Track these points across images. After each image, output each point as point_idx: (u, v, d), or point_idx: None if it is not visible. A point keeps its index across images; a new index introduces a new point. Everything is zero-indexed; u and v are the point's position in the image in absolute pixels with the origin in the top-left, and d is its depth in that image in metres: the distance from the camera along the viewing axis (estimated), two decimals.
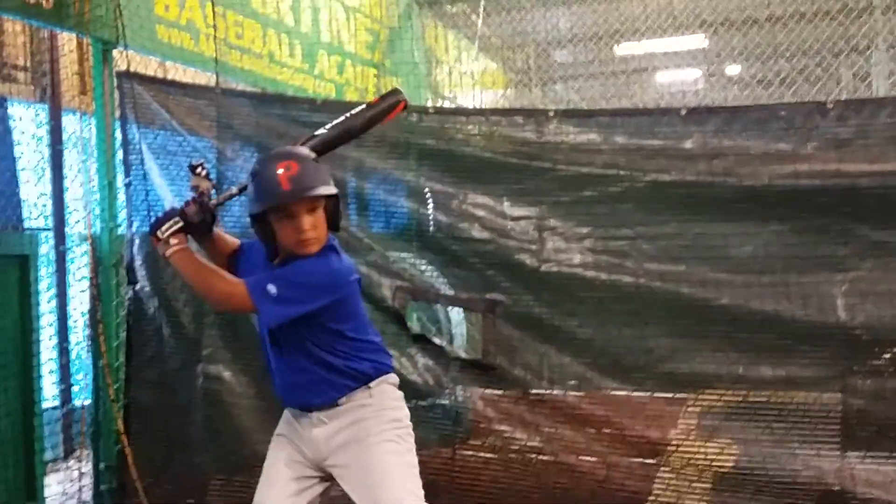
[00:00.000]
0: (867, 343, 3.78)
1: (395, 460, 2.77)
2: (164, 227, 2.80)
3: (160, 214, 2.90)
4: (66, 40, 5.33)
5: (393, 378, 2.88)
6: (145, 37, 4.82)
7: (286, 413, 2.93)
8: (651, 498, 3.97)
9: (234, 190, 2.88)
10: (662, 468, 3.97)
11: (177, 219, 2.82)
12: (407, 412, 2.88)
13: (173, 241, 2.79)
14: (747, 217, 3.91)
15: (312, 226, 2.69)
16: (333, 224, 2.77)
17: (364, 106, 2.97)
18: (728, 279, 3.92)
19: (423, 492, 2.79)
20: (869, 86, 7.37)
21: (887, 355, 3.78)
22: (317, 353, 2.76)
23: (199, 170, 2.91)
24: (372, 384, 2.80)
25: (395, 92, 3.06)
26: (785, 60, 7.12)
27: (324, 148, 2.86)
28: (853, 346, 3.79)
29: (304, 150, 2.79)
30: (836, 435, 3.80)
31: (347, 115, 2.94)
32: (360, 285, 2.87)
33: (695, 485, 3.93)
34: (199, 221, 2.85)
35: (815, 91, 6.65)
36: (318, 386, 2.78)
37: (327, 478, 2.85)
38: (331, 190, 2.72)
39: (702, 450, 3.92)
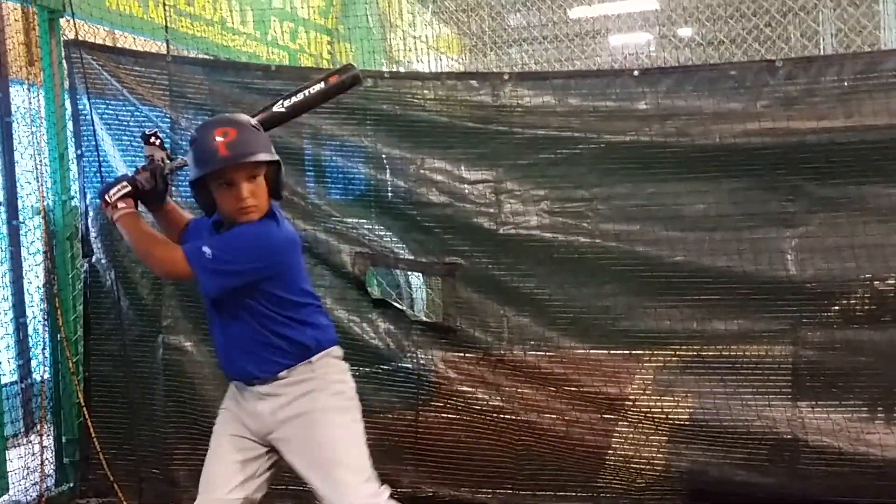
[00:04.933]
0: (817, 296, 3.88)
1: (341, 434, 2.78)
2: (112, 191, 2.81)
3: (111, 180, 2.89)
4: (11, 9, 5.17)
5: (336, 351, 2.89)
6: (93, 4, 4.75)
7: (231, 386, 2.92)
8: (610, 451, 4.07)
9: (187, 159, 2.86)
10: (620, 423, 4.06)
11: (125, 183, 2.82)
12: (352, 384, 2.90)
13: (121, 204, 2.79)
14: (699, 176, 3.97)
15: (252, 193, 2.67)
16: (275, 192, 2.75)
17: (321, 84, 2.94)
18: (681, 237, 3.99)
19: (369, 462, 2.82)
20: (816, 45, 7.48)
21: (836, 307, 3.89)
22: (257, 323, 2.74)
23: (152, 139, 2.90)
24: (314, 359, 2.80)
25: (348, 68, 3.04)
26: (735, 21, 7.19)
27: (273, 122, 2.86)
28: (803, 300, 3.89)
29: (244, 117, 2.77)
30: (788, 385, 3.92)
31: (304, 92, 2.91)
32: (301, 252, 2.88)
33: (652, 438, 4.03)
34: (149, 188, 2.85)
35: (764, 51, 6.74)
36: (260, 357, 2.77)
37: (273, 451, 2.86)
38: (271, 157, 2.70)
39: (658, 404, 4.02)
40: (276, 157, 2.73)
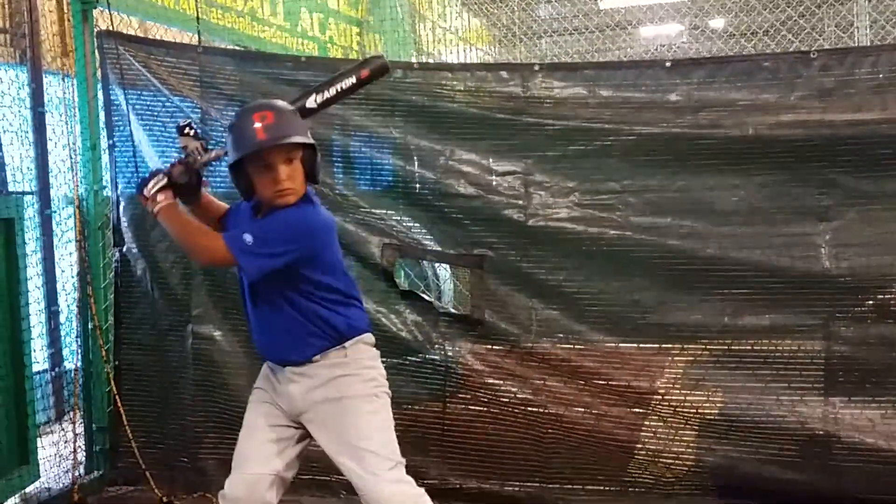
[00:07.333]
0: (850, 290, 3.83)
1: (371, 420, 2.82)
2: (149, 185, 2.85)
3: (146, 175, 2.93)
4: (45, 0, 5.25)
5: (368, 338, 2.93)
6: None
7: (265, 366, 2.99)
8: (639, 446, 4.04)
9: (220, 151, 2.90)
10: (650, 417, 4.03)
11: (160, 176, 2.86)
12: (383, 371, 2.94)
13: (160, 197, 2.84)
14: (732, 168, 3.93)
15: (289, 176, 2.73)
16: (311, 176, 2.82)
17: (352, 77, 2.99)
18: (713, 230, 3.95)
19: (397, 449, 2.85)
20: (851, 36, 7.38)
21: (870, 302, 3.84)
22: (293, 307, 2.80)
23: (186, 130, 2.93)
24: (347, 344, 2.85)
25: (377, 58, 3.12)
26: (768, 12, 7.11)
27: (304, 115, 2.90)
28: (837, 294, 3.84)
29: (282, 103, 2.85)
30: (820, 381, 3.87)
31: (336, 87, 2.97)
32: (337, 237, 2.94)
33: (681, 432, 3.99)
34: (184, 182, 2.88)
35: (798, 42, 6.65)
36: (295, 341, 2.83)
37: (305, 432, 2.91)
38: (306, 139, 2.76)
39: (688, 398, 3.98)
40: (312, 141, 2.79)
